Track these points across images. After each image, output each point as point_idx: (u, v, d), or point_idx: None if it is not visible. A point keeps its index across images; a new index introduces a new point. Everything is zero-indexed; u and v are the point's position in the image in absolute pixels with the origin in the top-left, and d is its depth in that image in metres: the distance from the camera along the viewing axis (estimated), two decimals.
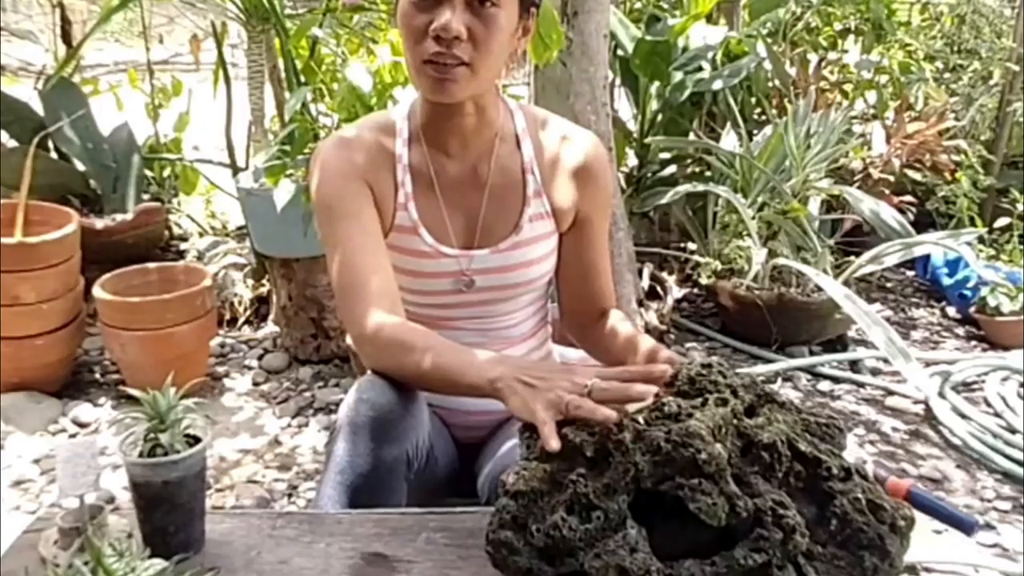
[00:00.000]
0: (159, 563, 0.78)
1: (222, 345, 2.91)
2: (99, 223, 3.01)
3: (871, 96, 3.76)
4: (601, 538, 0.78)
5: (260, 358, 2.84)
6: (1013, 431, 2.43)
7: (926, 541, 2.00)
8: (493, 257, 1.22)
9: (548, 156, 1.24)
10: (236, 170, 3.17)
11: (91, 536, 0.82)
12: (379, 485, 1.11)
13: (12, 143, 3.12)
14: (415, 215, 1.20)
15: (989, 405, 2.60)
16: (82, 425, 2.42)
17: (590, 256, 1.28)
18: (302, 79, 2.77)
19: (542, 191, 1.23)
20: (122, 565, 0.76)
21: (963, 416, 2.52)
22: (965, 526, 0.87)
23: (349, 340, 2.48)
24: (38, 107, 3.17)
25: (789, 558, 0.76)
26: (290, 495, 2.13)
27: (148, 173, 3.55)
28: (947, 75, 3.98)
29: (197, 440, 0.89)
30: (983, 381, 2.74)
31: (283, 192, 2.35)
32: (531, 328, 1.33)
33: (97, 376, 2.70)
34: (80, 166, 3.22)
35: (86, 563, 0.77)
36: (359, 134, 1.22)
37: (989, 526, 0.85)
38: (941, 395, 2.63)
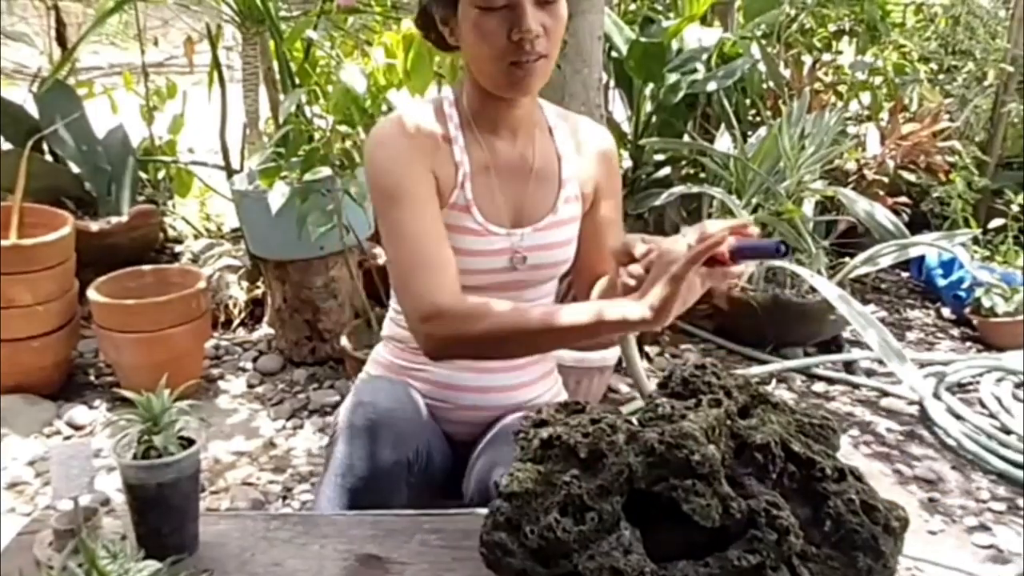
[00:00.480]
0: (153, 565, 0.78)
1: (217, 347, 2.90)
2: (94, 225, 3.01)
3: (865, 97, 3.77)
4: (595, 539, 0.78)
5: (255, 360, 2.83)
6: (1008, 432, 2.43)
7: (921, 541, 2.01)
8: (535, 235, 1.26)
9: (574, 143, 1.31)
10: (231, 172, 3.17)
11: (85, 538, 0.82)
12: (379, 488, 1.12)
13: (7, 145, 3.11)
14: (469, 195, 1.23)
15: (984, 406, 2.61)
16: (77, 427, 2.41)
17: (605, 225, 1.33)
18: (296, 81, 2.77)
19: (573, 176, 1.29)
20: (116, 567, 0.76)
21: (958, 417, 2.52)
22: (772, 251, 0.90)
23: (344, 340, 2.48)
24: (33, 110, 3.17)
25: (783, 559, 0.76)
26: (285, 497, 2.13)
27: (143, 175, 3.55)
28: (941, 76, 4.00)
29: (191, 442, 0.89)
30: (978, 382, 2.75)
31: (278, 194, 2.35)
32: None
33: (92, 378, 2.70)
34: (75, 168, 3.21)
35: (80, 565, 0.77)
36: (416, 117, 1.23)
37: (787, 249, 0.86)
38: (936, 396, 2.64)
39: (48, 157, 3.21)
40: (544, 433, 0.86)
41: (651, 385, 0.99)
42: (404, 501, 1.15)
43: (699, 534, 0.78)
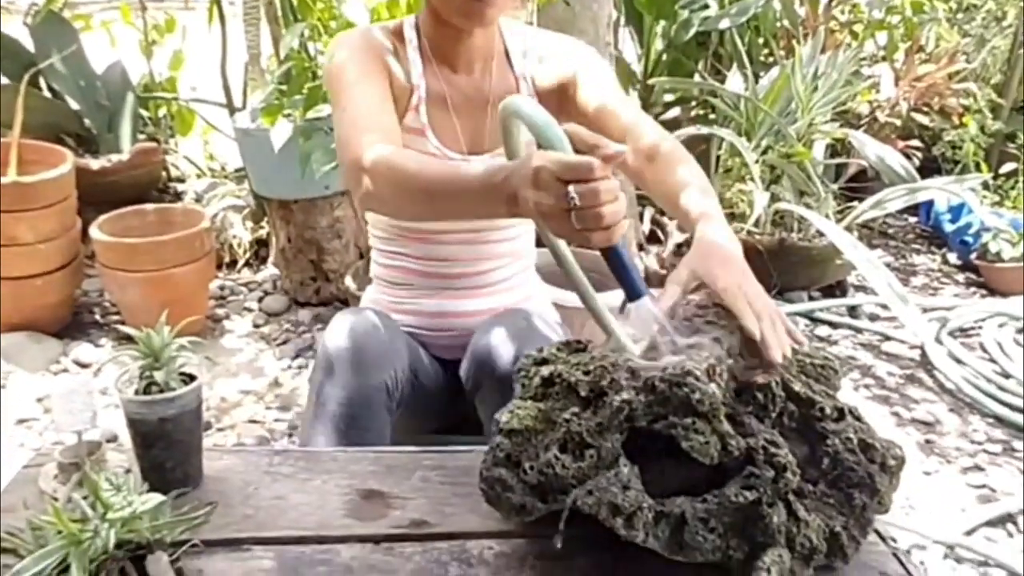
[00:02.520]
0: (157, 497, 0.79)
1: (222, 287, 2.91)
2: (95, 163, 2.98)
3: (881, 37, 3.68)
4: (594, 476, 0.78)
5: (260, 300, 2.84)
6: (1007, 376, 2.44)
7: (916, 481, 2.03)
8: (493, 161, 1.24)
9: (534, 59, 1.29)
10: (233, 110, 3.13)
11: (89, 471, 0.83)
12: (359, 415, 1.13)
13: (3, 80, 3.07)
14: (424, 119, 1.23)
15: (985, 351, 2.61)
16: (83, 365, 2.44)
17: (599, 109, 1.22)
18: (298, 16, 2.71)
19: (534, 97, 1.26)
20: (120, 499, 0.76)
21: (958, 361, 2.53)
22: (632, 289, 0.84)
23: (348, 280, 2.48)
24: (29, 44, 3.11)
25: (780, 496, 0.77)
26: (290, 435, 2.16)
27: (143, 113, 3.50)
28: (960, 15, 3.90)
29: (193, 378, 0.89)
30: (980, 327, 2.75)
31: (280, 132, 2.32)
32: (521, 248, 1.37)
33: (97, 317, 2.71)
34: (73, 104, 3.18)
35: (85, 497, 0.78)
36: (377, 33, 1.24)
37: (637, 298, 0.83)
38: (938, 340, 2.64)
39: (46, 93, 3.17)
40: (545, 371, 0.86)
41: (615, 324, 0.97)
42: (388, 427, 1.17)
43: (698, 471, 0.79)
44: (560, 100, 1.26)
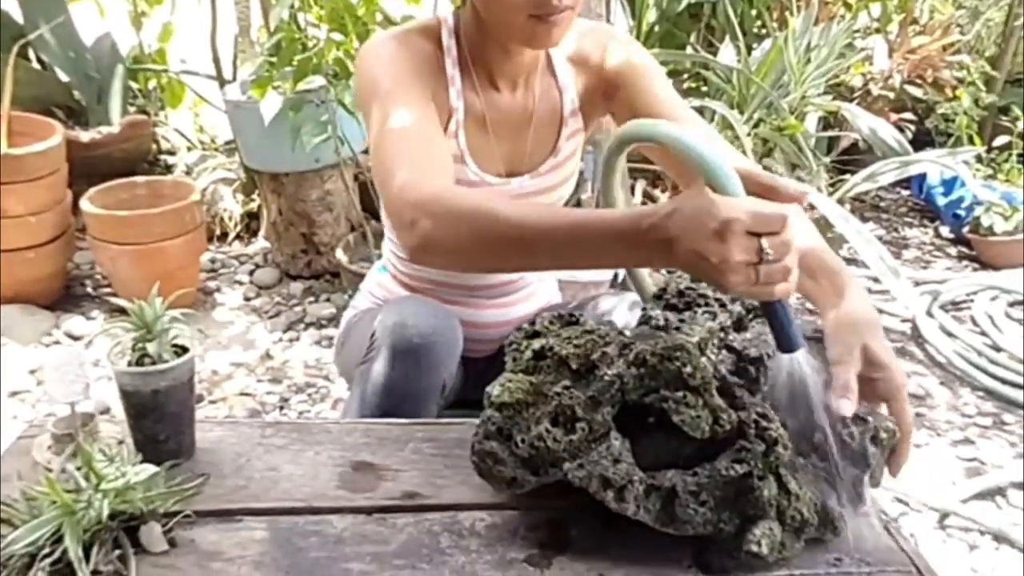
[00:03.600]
0: (150, 468, 0.79)
1: (213, 260, 2.90)
2: (84, 136, 2.95)
3: (875, 9, 3.66)
4: (585, 449, 0.79)
5: (251, 273, 2.83)
6: (998, 349, 2.46)
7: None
8: (533, 182, 1.19)
9: (575, 62, 1.19)
10: (223, 82, 3.09)
11: (82, 442, 0.83)
12: (414, 411, 1.10)
13: None
14: (463, 144, 1.13)
15: (976, 324, 2.63)
16: (75, 337, 2.43)
17: (655, 109, 1.11)
18: None
19: (578, 110, 1.20)
20: (113, 470, 0.77)
21: (950, 335, 2.54)
22: (788, 340, 0.78)
23: (339, 253, 2.48)
24: (17, 15, 3.07)
25: (771, 469, 0.77)
26: (282, 407, 2.16)
27: (133, 85, 3.46)
28: None
29: (185, 350, 0.89)
30: (972, 300, 2.76)
31: (270, 105, 2.30)
32: None
33: (89, 290, 2.70)
34: (63, 76, 3.14)
35: (78, 468, 0.78)
36: (415, 39, 1.11)
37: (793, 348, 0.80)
38: (929, 314, 2.65)
39: (35, 65, 3.13)
40: (536, 344, 0.86)
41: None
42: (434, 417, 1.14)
43: (689, 445, 0.79)
44: (605, 101, 1.18)
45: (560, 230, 0.81)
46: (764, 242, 0.71)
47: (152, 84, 3.59)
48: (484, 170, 1.16)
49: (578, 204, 2.52)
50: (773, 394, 0.82)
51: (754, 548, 0.76)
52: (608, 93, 1.17)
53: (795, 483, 0.79)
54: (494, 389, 0.83)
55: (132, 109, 3.33)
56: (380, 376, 1.09)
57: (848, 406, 0.80)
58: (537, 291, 1.35)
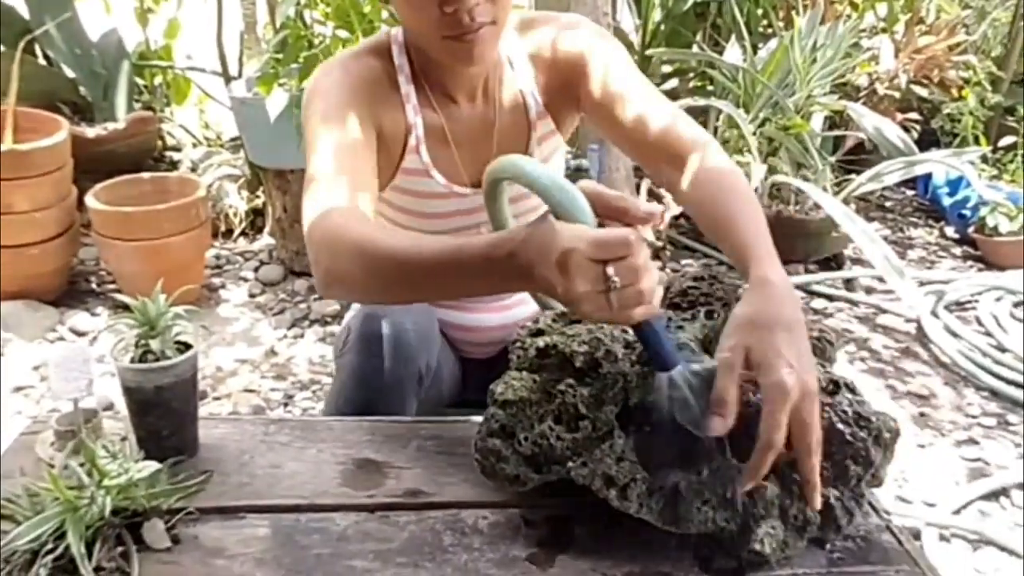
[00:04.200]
0: (153, 465, 0.79)
1: (218, 257, 2.90)
2: (90, 131, 2.96)
3: (881, 9, 3.65)
4: (588, 447, 0.79)
5: (256, 270, 2.84)
6: (1003, 350, 2.45)
7: (910, 454, 2.05)
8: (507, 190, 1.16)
9: (535, 58, 1.15)
10: (228, 79, 3.10)
11: (85, 439, 0.83)
12: (390, 401, 1.10)
13: None
14: (426, 158, 1.12)
15: (981, 324, 2.62)
16: (80, 333, 2.44)
17: (619, 99, 1.07)
18: None
19: (544, 112, 1.16)
20: (116, 466, 0.77)
21: (954, 335, 2.54)
22: (663, 360, 0.76)
23: None
24: (24, 11, 3.07)
25: (773, 467, 0.77)
26: (286, 404, 2.17)
27: (139, 81, 3.47)
28: None
29: (188, 347, 0.89)
30: (977, 301, 2.75)
31: (276, 101, 2.30)
32: None
33: (94, 286, 2.71)
34: (69, 73, 3.15)
35: (81, 464, 0.78)
36: (364, 59, 1.09)
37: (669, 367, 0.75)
38: (934, 314, 2.65)
39: (41, 60, 3.14)
40: (540, 342, 0.86)
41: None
42: (412, 414, 1.14)
43: (692, 444, 0.79)
44: (570, 96, 1.14)
45: (435, 258, 0.79)
46: (610, 269, 0.68)
47: (158, 80, 3.60)
48: (452, 181, 1.14)
49: None
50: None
51: (757, 547, 0.76)
52: (571, 86, 1.12)
53: (798, 482, 0.78)
54: (498, 387, 0.83)
55: (138, 105, 3.34)
56: (354, 368, 1.09)
57: (719, 425, 0.73)
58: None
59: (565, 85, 1.13)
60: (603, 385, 0.80)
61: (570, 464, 0.79)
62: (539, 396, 0.82)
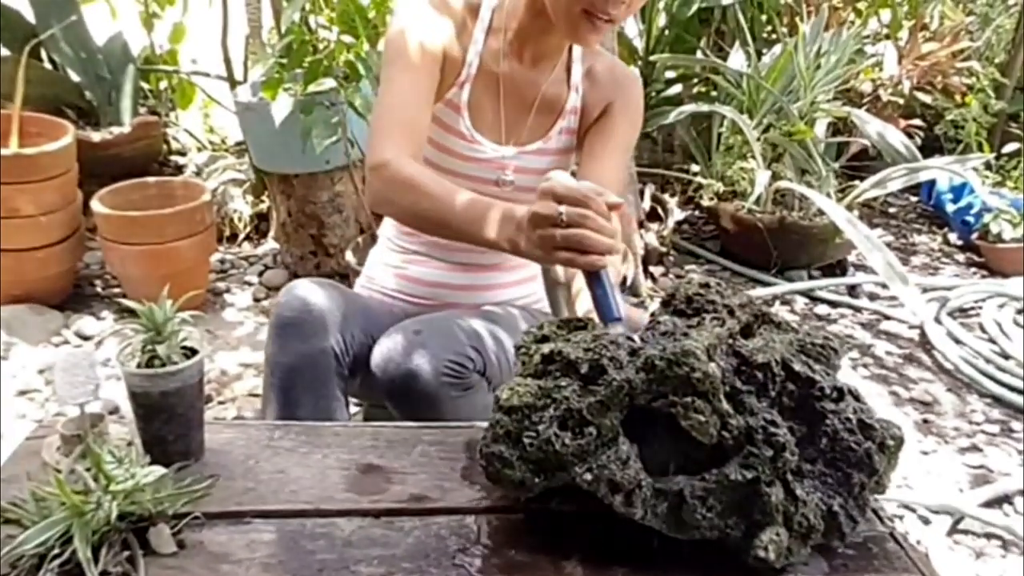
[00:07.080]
0: (159, 470, 0.80)
1: (222, 261, 2.91)
2: (96, 136, 2.97)
3: (885, 15, 3.65)
4: (593, 453, 0.79)
5: (260, 274, 2.84)
6: (1006, 357, 2.45)
7: (914, 461, 2.04)
8: (521, 157, 1.28)
9: (592, 76, 1.31)
10: (233, 83, 3.11)
11: (91, 443, 0.84)
12: (308, 379, 1.17)
13: (4, 51, 3.04)
14: (465, 97, 1.25)
15: (984, 331, 2.62)
16: (85, 337, 2.44)
17: (596, 145, 1.29)
18: None
19: (578, 109, 1.31)
20: (122, 471, 0.77)
21: (958, 341, 2.53)
22: (608, 313, 0.92)
23: (349, 255, 2.48)
24: (29, 15, 3.09)
25: (778, 475, 0.77)
26: None
27: (144, 86, 3.48)
28: None
29: (194, 352, 0.89)
30: (980, 307, 2.75)
31: (281, 107, 2.31)
32: None
33: (99, 290, 2.71)
34: (74, 77, 3.15)
35: (87, 469, 0.78)
36: (453, 3, 1.26)
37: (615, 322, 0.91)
38: (937, 320, 2.65)
39: (47, 64, 3.15)
40: (545, 348, 0.86)
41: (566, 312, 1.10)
42: (339, 391, 1.20)
43: (696, 450, 0.79)
44: (585, 127, 1.31)
45: (465, 206, 1.05)
46: (563, 208, 0.90)
47: (163, 85, 3.61)
48: (478, 129, 1.26)
49: None
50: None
51: (761, 553, 0.76)
52: (592, 121, 1.31)
53: (802, 489, 0.79)
54: (503, 393, 0.83)
55: (143, 110, 3.35)
56: (269, 356, 1.20)
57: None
58: (520, 263, 1.37)
59: (590, 117, 1.32)
60: (608, 391, 0.80)
61: (575, 470, 0.79)
62: (544, 402, 0.82)
